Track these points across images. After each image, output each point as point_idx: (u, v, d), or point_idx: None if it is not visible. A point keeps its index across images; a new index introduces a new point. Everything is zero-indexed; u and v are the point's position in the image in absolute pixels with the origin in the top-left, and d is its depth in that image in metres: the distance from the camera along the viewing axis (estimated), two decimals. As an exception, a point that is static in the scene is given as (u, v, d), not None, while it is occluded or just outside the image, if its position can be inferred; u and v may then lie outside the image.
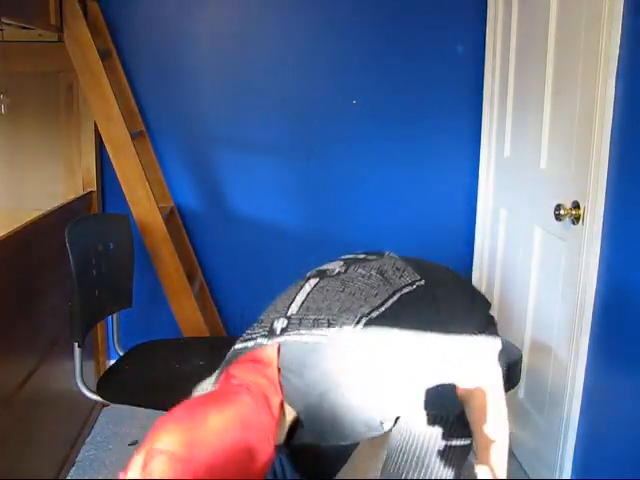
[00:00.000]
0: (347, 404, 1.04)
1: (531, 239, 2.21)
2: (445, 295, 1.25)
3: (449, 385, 1.14)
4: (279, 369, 1.07)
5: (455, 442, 1.25)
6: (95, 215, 2.59)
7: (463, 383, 1.16)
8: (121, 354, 2.06)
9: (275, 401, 1.03)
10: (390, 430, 1.25)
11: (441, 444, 1.25)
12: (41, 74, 2.58)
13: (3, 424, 1.78)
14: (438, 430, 1.23)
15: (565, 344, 1.95)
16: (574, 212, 1.86)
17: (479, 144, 2.73)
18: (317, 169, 2.77)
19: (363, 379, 1.05)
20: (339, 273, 1.25)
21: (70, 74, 2.46)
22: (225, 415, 0.93)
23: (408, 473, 1.25)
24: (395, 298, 1.17)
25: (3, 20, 2.03)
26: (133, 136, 2.41)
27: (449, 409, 1.20)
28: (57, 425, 2.25)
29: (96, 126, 2.44)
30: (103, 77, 2.32)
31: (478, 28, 2.63)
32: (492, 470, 1.04)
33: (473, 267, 2.80)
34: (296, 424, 1.10)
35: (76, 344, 1.82)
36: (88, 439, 2.51)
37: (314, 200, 2.80)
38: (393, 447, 1.28)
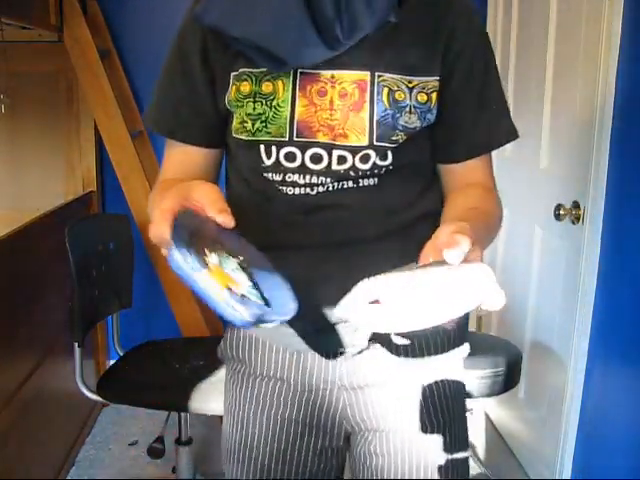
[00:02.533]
0: None
1: (531, 239, 2.21)
2: None
3: None
4: None
5: (456, 455, 1.02)
6: (95, 215, 2.59)
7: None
8: (121, 354, 2.06)
9: None
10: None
11: (439, 458, 1.00)
12: (41, 74, 2.58)
13: (3, 424, 1.79)
14: (435, 439, 1.00)
15: (565, 344, 1.95)
16: (574, 212, 1.86)
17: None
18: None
19: None
20: None
21: (70, 74, 2.46)
22: None
23: None
24: None
25: (3, 20, 2.03)
26: (133, 136, 2.41)
27: None
28: (57, 425, 2.25)
29: (96, 126, 2.45)
30: (103, 77, 2.32)
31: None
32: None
33: (473, 267, 2.80)
34: None
35: (76, 344, 1.82)
36: (88, 439, 2.51)
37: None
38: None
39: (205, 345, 2.19)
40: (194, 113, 0.95)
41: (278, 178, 0.91)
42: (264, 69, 0.88)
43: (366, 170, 0.90)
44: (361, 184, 0.91)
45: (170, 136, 0.98)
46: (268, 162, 0.91)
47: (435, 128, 0.93)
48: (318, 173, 0.89)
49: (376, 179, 0.91)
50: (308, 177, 0.90)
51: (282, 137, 0.89)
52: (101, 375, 1.95)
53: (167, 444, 1.98)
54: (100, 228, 2.11)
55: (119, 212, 2.33)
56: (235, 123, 0.91)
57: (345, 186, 0.91)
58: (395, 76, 0.88)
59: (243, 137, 0.91)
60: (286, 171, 0.90)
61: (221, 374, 1.86)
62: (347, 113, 0.87)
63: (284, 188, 0.92)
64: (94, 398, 1.84)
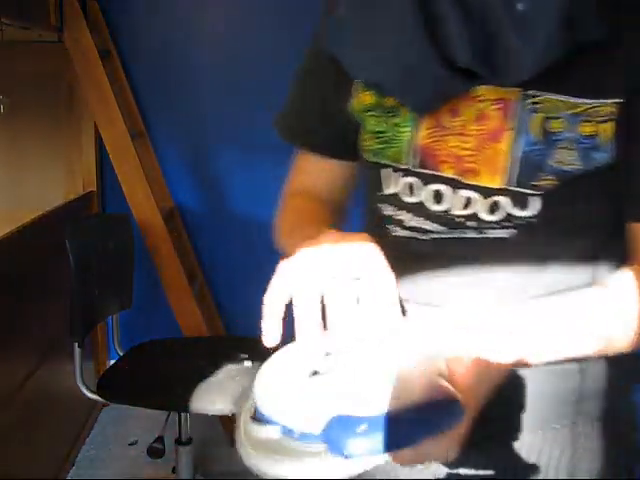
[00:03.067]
0: None
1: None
2: None
3: None
4: None
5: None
6: (95, 215, 2.60)
7: None
8: (121, 354, 2.06)
9: None
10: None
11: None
12: (41, 74, 2.58)
13: (3, 424, 1.79)
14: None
15: (565, 344, 1.95)
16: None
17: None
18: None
19: None
20: None
21: (70, 74, 2.46)
22: None
23: None
24: None
25: (3, 20, 2.03)
26: (133, 136, 2.41)
27: None
28: (57, 425, 2.25)
29: (96, 126, 2.45)
30: (103, 77, 2.32)
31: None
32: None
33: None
34: None
35: (76, 344, 1.82)
36: (88, 439, 2.51)
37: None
38: None
39: (205, 345, 2.19)
40: (321, 119, 0.83)
41: (389, 213, 0.74)
42: None
43: (493, 222, 0.68)
44: (489, 235, 0.69)
45: (294, 143, 0.88)
46: (385, 191, 0.74)
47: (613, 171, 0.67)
48: (434, 216, 0.70)
49: (510, 231, 0.68)
50: (422, 219, 0.71)
51: (400, 164, 0.72)
52: (101, 375, 1.95)
53: (167, 444, 1.98)
54: (100, 228, 2.11)
55: (119, 212, 2.33)
56: (361, 139, 0.76)
57: (466, 236, 0.69)
58: (554, 96, 0.64)
59: (366, 157, 0.76)
60: (400, 206, 0.73)
61: (221, 374, 1.87)
62: (483, 142, 0.66)
63: (392, 227, 0.74)
64: (94, 398, 1.84)
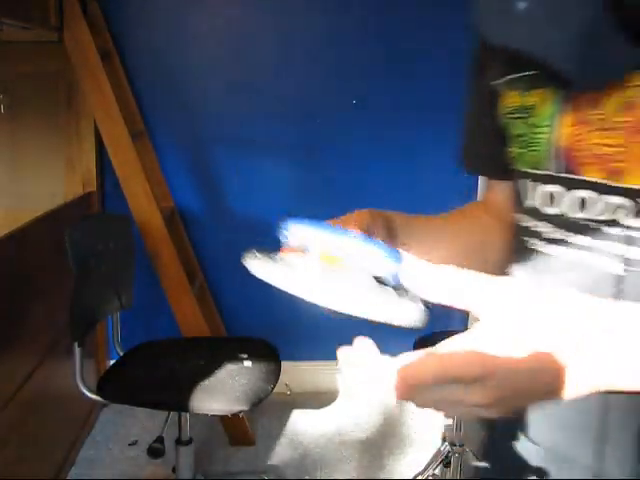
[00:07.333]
0: None
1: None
2: None
3: None
4: None
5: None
6: (95, 215, 2.59)
7: None
8: (121, 354, 2.06)
9: None
10: None
11: None
12: (41, 74, 2.58)
13: (3, 424, 1.79)
14: None
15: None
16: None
17: (479, 144, 2.73)
18: (317, 169, 2.77)
19: None
20: None
21: (70, 74, 2.45)
22: None
23: None
24: None
25: (3, 20, 2.03)
26: (133, 136, 2.41)
27: None
28: (57, 425, 2.25)
29: (96, 126, 2.44)
30: (103, 77, 2.32)
31: (478, 28, 2.63)
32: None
33: (473, 267, 2.81)
34: None
35: (76, 344, 1.82)
36: (88, 439, 2.51)
37: (313, 199, 2.80)
38: None
39: (205, 345, 2.19)
40: (483, 139, 0.79)
41: (528, 223, 0.67)
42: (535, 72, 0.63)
43: None
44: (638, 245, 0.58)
45: (467, 172, 0.84)
46: (526, 203, 0.67)
47: None
48: (575, 226, 0.61)
49: None
50: (562, 231, 0.62)
51: (539, 170, 0.64)
52: (101, 375, 1.95)
53: (167, 444, 1.98)
54: (100, 228, 2.11)
55: (119, 212, 2.33)
56: (508, 148, 0.70)
57: (617, 251, 0.59)
58: None
59: (512, 166, 0.70)
60: (539, 218, 0.65)
61: (221, 374, 1.87)
62: (631, 136, 0.55)
63: (528, 239, 0.67)
64: (94, 398, 1.84)
